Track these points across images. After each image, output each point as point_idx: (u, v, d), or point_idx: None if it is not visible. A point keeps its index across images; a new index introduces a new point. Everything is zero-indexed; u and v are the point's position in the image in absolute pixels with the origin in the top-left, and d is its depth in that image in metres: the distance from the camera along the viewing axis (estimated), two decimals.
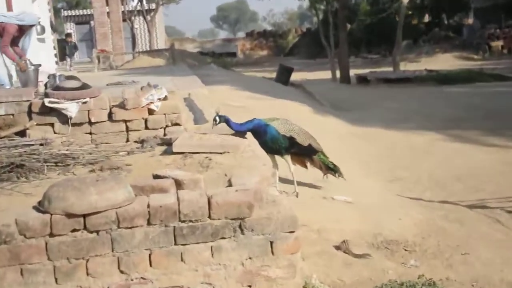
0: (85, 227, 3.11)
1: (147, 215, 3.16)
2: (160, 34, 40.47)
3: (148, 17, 35.01)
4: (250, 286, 3.32)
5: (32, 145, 4.74)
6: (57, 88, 5.38)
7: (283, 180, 5.92)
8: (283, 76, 20.28)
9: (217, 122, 4.94)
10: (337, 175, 6.04)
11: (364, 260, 4.33)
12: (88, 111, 5.36)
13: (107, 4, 26.25)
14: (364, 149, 9.59)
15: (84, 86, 5.41)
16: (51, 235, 3.07)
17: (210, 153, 4.66)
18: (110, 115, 5.44)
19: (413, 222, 5.37)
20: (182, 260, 3.23)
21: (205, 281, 3.26)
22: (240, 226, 3.27)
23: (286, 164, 5.52)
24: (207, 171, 4.20)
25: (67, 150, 4.78)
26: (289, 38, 49.12)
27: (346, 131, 11.36)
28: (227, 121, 4.97)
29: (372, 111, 14.03)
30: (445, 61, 30.18)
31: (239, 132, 5.03)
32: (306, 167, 5.92)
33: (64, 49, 23.48)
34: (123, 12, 31.90)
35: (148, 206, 3.17)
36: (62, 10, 42.17)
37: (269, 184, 3.89)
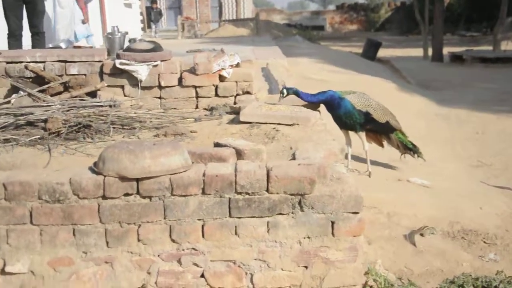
0: (138, 192, 3.00)
1: (202, 184, 3.00)
2: (248, 4, 40.32)
3: None
4: (306, 267, 3.10)
5: (101, 106, 4.70)
6: (128, 49, 5.32)
7: (356, 158, 5.62)
8: (370, 51, 19.61)
9: (284, 95, 4.69)
10: (416, 155, 5.65)
11: (436, 250, 3.99)
12: (159, 74, 5.27)
13: None
14: (450, 131, 8.99)
15: (155, 49, 5.32)
16: (104, 197, 2.98)
17: (279, 124, 4.44)
18: (180, 80, 5.33)
19: (496, 212, 4.91)
20: (236, 233, 3.06)
21: (258, 257, 3.08)
22: (299, 203, 3.04)
23: (360, 141, 5.20)
24: (272, 143, 3.99)
25: (134, 113, 4.71)
26: (381, 12, 47.00)
27: (432, 112, 10.74)
28: (296, 92, 4.71)
29: (464, 92, 13.22)
30: None
31: (311, 103, 4.76)
32: (382, 145, 5.57)
33: (150, 16, 23.85)
34: None
35: (204, 174, 3.00)
36: None
37: (336, 160, 3.63)
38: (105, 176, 2.97)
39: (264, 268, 3.10)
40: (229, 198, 3.02)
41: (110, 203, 2.99)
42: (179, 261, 3.07)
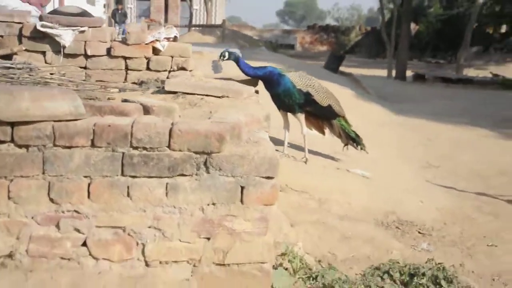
0: (12, 140, 2.54)
1: (91, 134, 2.57)
2: (219, 17, 40.05)
3: None
4: (208, 238, 2.69)
5: (12, 68, 4.22)
6: (54, 12, 4.86)
7: (295, 147, 5.27)
8: (333, 63, 19.42)
9: (225, 58, 4.33)
10: (359, 147, 5.32)
11: (366, 237, 3.65)
12: (85, 42, 4.81)
13: None
14: (402, 136, 8.78)
15: (84, 14, 4.87)
16: None
17: (207, 95, 4.05)
18: (109, 50, 4.89)
19: (437, 206, 4.62)
20: (128, 195, 2.63)
21: (153, 225, 2.65)
22: (205, 163, 2.64)
23: (299, 126, 4.85)
24: (192, 108, 3.60)
25: (50, 78, 4.25)
26: (352, 35, 47.37)
27: (387, 119, 10.55)
28: (236, 59, 4.35)
29: (422, 105, 13.14)
30: None
31: (249, 75, 4.40)
32: (323, 132, 5.23)
33: (115, 17, 23.32)
34: None
35: (95, 125, 2.57)
36: None
37: (260, 127, 3.24)
38: None
39: (158, 238, 2.67)
40: (123, 153, 2.59)
41: None
42: (57, 226, 2.61)
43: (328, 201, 4.06)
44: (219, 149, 2.62)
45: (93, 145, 2.58)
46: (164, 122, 2.64)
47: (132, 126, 2.58)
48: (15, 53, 4.65)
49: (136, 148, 2.60)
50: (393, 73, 24.54)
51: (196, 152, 2.62)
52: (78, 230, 2.61)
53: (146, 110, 3.01)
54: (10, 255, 2.58)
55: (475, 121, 10.72)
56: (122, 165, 2.60)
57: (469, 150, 7.76)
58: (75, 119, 2.60)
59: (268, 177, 2.68)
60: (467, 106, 13.26)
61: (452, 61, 32.54)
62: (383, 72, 25.74)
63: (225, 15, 42.78)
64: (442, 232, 4.04)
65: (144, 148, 2.60)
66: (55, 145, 2.56)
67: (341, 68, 20.67)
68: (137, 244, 2.65)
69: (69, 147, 2.57)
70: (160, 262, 2.68)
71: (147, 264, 2.67)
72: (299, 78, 4.55)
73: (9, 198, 2.56)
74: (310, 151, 5.03)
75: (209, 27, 27.59)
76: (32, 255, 2.59)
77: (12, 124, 2.52)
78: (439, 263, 3.23)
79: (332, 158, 5.42)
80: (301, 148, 5.14)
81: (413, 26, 35.47)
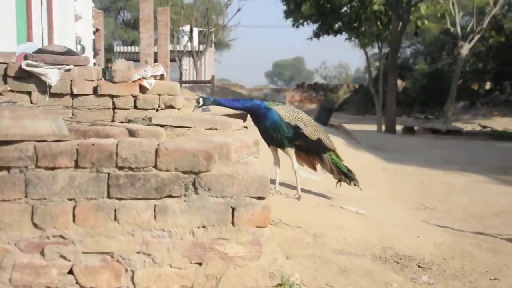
0: None
1: (75, 155, 2.46)
2: (208, 78, 40.51)
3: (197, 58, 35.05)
4: (200, 263, 2.54)
5: None
6: (39, 51, 4.82)
7: (287, 186, 5.16)
8: (323, 116, 19.50)
9: (199, 104, 4.27)
10: (352, 183, 5.20)
11: (364, 270, 3.49)
12: (71, 81, 4.76)
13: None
14: (395, 181, 8.71)
15: (69, 52, 4.84)
16: None
17: (195, 128, 3.96)
18: (96, 89, 4.83)
19: (434, 242, 4.48)
20: (115, 219, 2.50)
21: (142, 250, 2.51)
22: (194, 183, 2.53)
23: (289, 162, 4.75)
24: (180, 137, 3.50)
25: None
26: (340, 93, 47.99)
27: (380, 166, 10.51)
28: (215, 101, 4.30)
29: (413, 154, 13.18)
30: (503, 125, 27.58)
31: (234, 108, 4.33)
32: (315, 168, 5.12)
33: (105, 75, 23.44)
34: (172, 51, 31.99)
35: (78, 144, 2.47)
36: (115, 45, 42.94)
37: (249, 153, 3.15)
38: None
39: (148, 264, 2.52)
40: (108, 174, 2.48)
41: None
42: (42, 253, 2.47)
43: (323, 236, 3.91)
44: (207, 168, 2.52)
45: (77, 166, 2.48)
46: (150, 141, 2.54)
47: (117, 145, 2.48)
48: (0, 94, 4.58)
49: (121, 168, 2.49)
50: (383, 127, 24.78)
51: (184, 172, 2.52)
52: (64, 257, 2.48)
53: (132, 134, 2.92)
54: None
55: (466, 168, 10.72)
56: (108, 186, 2.49)
57: (463, 194, 7.69)
58: (58, 140, 2.50)
59: (259, 198, 2.58)
60: (458, 155, 13.32)
61: (440, 116, 33.07)
62: (372, 127, 26.02)
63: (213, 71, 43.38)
64: (442, 266, 3.88)
65: (130, 168, 2.50)
66: (37, 167, 2.46)
67: (331, 123, 20.79)
68: (126, 271, 2.51)
69: (52, 168, 2.46)
70: None
71: None
72: (286, 111, 4.48)
73: None
74: (302, 190, 4.92)
75: (199, 83, 27.85)
76: (16, 284, 2.45)
77: None
78: None
79: (325, 197, 5.30)
80: (292, 187, 5.03)
81: (400, 83, 36.15)
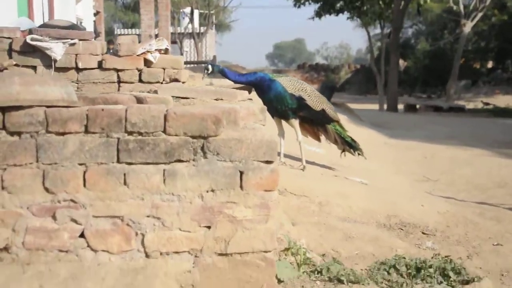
0: (4, 127, 2.46)
1: (85, 120, 2.49)
2: (210, 58, 40.36)
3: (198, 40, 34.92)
4: (208, 227, 2.58)
5: None
6: (43, 25, 4.83)
7: (291, 157, 5.20)
8: (325, 94, 19.43)
9: (209, 71, 4.29)
10: (356, 152, 5.23)
11: (369, 237, 3.54)
12: (76, 55, 4.77)
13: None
14: (398, 155, 8.75)
15: (74, 27, 4.85)
16: None
17: (201, 99, 3.99)
18: (101, 63, 4.84)
19: (438, 210, 4.53)
20: (125, 183, 2.54)
21: (151, 213, 2.55)
22: (202, 148, 2.56)
23: (294, 135, 4.79)
24: (186, 106, 3.52)
25: None
26: (342, 73, 47.85)
27: (382, 141, 10.54)
28: (222, 71, 4.31)
29: (415, 131, 13.21)
30: (505, 102, 27.66)
31: (239, 82, 4.35)
32: (319, 139, 5.15)
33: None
34: (173, 33, 31.85)
35: (88, 110, 2.50)
36: (115, 28, 42.79)
37: (256, 120, 3.18)
38: None
39: (158, 227, 2.56)
40: (118, 139, 2.51)
41: None
42: (53, 216, 2.51)
43: (329, 204, 3.96)
44: (215, 132, 2.55)
45: (87, 131, 2.50)
46: (159, 107, 2.57)
47: (126, 110, 2.51)
48: (5, 68, 4.59)
49: (131, 133, 2.52)
50: (385, 106, 24.76)
51: (192, 136, 2.55)
52: (75, 221, 2.51)
53: (140, 101, 2.95)
54: (6, 248, 2.48)
55: (469, 142, 10.75)
56: (118, 151, 2.52)
57: (466, 166, 7.72)
58: (67, 106, 2.53)
59: (267, 162, 2.60)
60: (460, 130, 13.34)
61: (442, 95, 33.03)
62: (374, 106, 26.00)
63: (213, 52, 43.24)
64: (446, 233, 3.94)
65: (139, 133, 2.53)
66: (48, 132, 2.49)
67: (333, 101, 20.77)
68: (136, 234, 2.55)
69: (63, 134, 2.49)
70: (161, 253, 2.57)
71: (147, 255, 2.56)
72: (290, 83, 4.50)
73: (2, 188, 2.47)
74: (307, 162, 4.96)
75: (200, 63, 27.76)
76: (29, 247, 2.48)
77: (3, 110, 2.44)
78: (446, 256, 3.13)
79: (329, 168, 5.35)
80: (297, 159, 5.07)
81: (401, 63, 36.01)
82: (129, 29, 42.19)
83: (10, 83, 2.42)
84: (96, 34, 21.87)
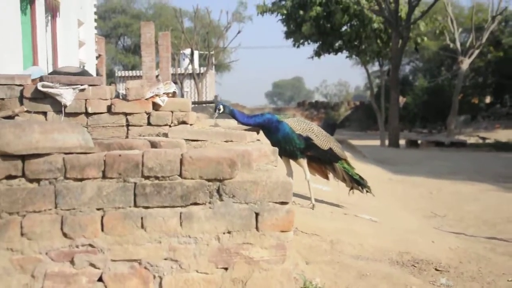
0: (23, 174, 2.51)
1: (102, 165, 2.54)
2: (210, 98, 40.65)
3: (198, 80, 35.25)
4: (226, 268, 2.60)
5: None
6: (54, 72, 4.92)
7: (300, 196, 5.22)
8: (326, 131, 19.55)
9: (220, 111, 4.36)
10: (365, 190, 5.26)
11: (383, 274, 3.54)
12: (86, 100, 4.85)
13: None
14: (404, 191, 8.76)
15: (84, 73, 4.94)
16: None
17: (211, 142, 4.04)
18: (110, 107, 4.92)
19: (450, 246, 4.52)
20: (142, 227, 2.57)
21: (169, 256, 2.57)
22: (218, 190, 2.60)
23: (303, 173, 4.82)
24: (197, 149, 3.57)
25: None
26: (341, 110, 48.23)
27: (387, 177, 10.56)
28: (232, 112, 4.38)
29: (418, 166, 13.24)
30: (506, 137, 27.70)
31: (247, 125, 4.42)
32: (327, 177, 5.18)
33: None
34: (174, 74, 32.20)
35: (105, 155, 2.55)
36: (116, 70, 43.27)
37: (268, 162, 3.23)
38: None
39: (175, 270, 2.58)
40: (135, 183, 2.56)
41: None
42: (71, 261, 2.53)
43: (340, 242, 3.97)
44: (231, 175, 2.59)
45: (104, 176, 2.55)
46: (174, 151, 2.62)
47: (142, 156, 2.56)
48: (16, 115, 4.67)
49: (147, 177, 2.56)
50: (386, 142, 24.86)
51: (208, 180, 2.59)
52: (93, 265, 2.53)
53: (154, 146, 2.99)
54: None
55: (473, 177, 10.77)
56: (135, 195, 2.56)
57: (473, 201, 7.73)
58: (85, 153, 2.58)
59: (282, 203, 2.64)
60: (463, 165, 13.38)
61: (442, 130, 33.19)
62: (375, 142, 26.10)
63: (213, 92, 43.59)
64: (459, 269, 3.93)
65: (156, 178, 2.57)
66: (66, 178, 2.53)
67: (335, 138, 20.86)
68: (154, 277, 2.57)
69: (81, 180, 2.53)
70: None
71: None
72: (297, 123, 4.57)
73: (22, 234, 2.50)
74: (315, 200, 4.98)
75: (201, 104, 27.98)
76: None
77: (23, 158, 2.49)
78: None
79: (338, 206, 5.36)
80: (305, 197, 5.09)
81: (400, 99, 36.34)
82: (129, 71, 42.71)
83: (30, 131, 2.47)
84: (98, 75, 22.19)
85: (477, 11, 31.10)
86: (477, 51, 27.06)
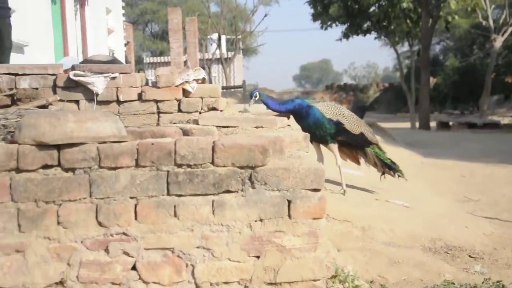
0: (59, 164, 2.54)
1: (135, 154, 2.56)
2: (238, 84, 40.68)
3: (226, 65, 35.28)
4: (258, 256, 2.61)
5: None
6: (85, 61, 4.97)
7: (331, 182, 5.20)
8: (356, 114, 19.43)
9: (256, 97, 4.36)
10: (396, 174, 5.21)
11: (415, 261, 3.51)
12: (117, 88, 4.89)
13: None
14: (436, 174, 8.66)
15: (114, 61, 4.98)
16: (18, 170, 2.52)
17: (241, 128, 4.04)
18: (140, 95, 4.95)
19: (484, 232, 4.46)
20: (175, 215, 2.59)
21: (201, 245, 2.59)
22: (250, 178, 2.60)
23: (334, 160, 4.80)
24: (227, 136, 3.57)
25: None
26: (370, 92, 47.66)
27: (418, 161, 10.45)
28: (265, 100, 4.38)
29: (450, 149, 13.04)
30: None
31: (279, 112, 4.42)
32: (358, 162, 5.15)
33: None
34: (201, 59, 32.27)
35: (138, 144, 2.57)
36: (144, 57, 43.53)
37: (299, 148, 3.20)
38: (19, 144, 2.52)
39: (208, 258, 2.60)
40: (168, 172, 2.57)
41: (24, 176, 2.52)
42: (106, 250, 2.57)
43: (372, 229, 3.95)
44: (263, 162, 2.58)
45: (137, 165, 2.57)
46: (206, 138, 2.62)
47: (175, 144, 2.57)
48: (50, 104, 4.73)
49: (180, 165, 2.57)
50: (417, 124, 24.55)
51: (240, 167, 2.59)
52: (127, 254, 2.56)
53: (186, 133, 3.01)
54: (62, 282, 2.53)
55: (506, 160, 10.57)
56: (167, 183, 2.57)
57: (507, 184, 7.60)
58: (118, 141, 2.60)
59: (314, 190, 2.63)
60: (496, 147, 13.13)
61: (474, 111, 32.60)
62: (405, 125, 25.78)
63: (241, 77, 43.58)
64: (494, 256, 3.88)
65: (188, 165, 2.58)
66: (100, 167, 2.55)
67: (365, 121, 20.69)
68: (187, 265, 2.58)
69: (114, 168, 2.55)
70: (211, 284, 2.60)
71: (197, 287, 2.59)
72: (328, 108, 4.54)
73: (58, 223, 2.53)
74: (346, 185, 4.96)
75: (229, 89, 28.01)
76: (83, 281, 2.53)
77: (58, 147, 2.52)
78: (497, 281, 3.08)
79: (369, 191, 5.33)
80: (336, 183, 5.07)
81: (431, 80, 35.79)
82: (158, 57, 42.92)
83: (65, 121, 2.51)
84: (127, 63, 22.40)
85: None
86: (511, 29, 26.39)
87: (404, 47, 34.82)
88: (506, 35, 26.40)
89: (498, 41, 26.20)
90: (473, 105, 33.84)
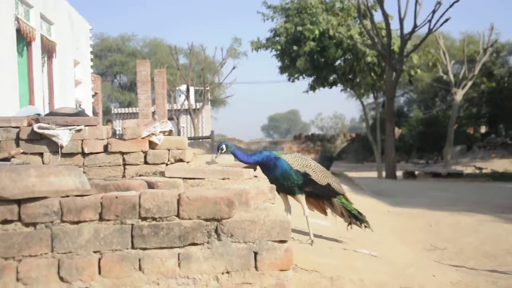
0: (19, 219, 2.49)
1: (99, 208, 2.53)
2: (206, 134, 40.74)
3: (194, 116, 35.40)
4: None
5: None
6: (50, 113, 4.94)
7: (298, 232, 5.19)
8: (323, 164, 19.52)
9: (223, 151, 4.37)
10: (363, 225, 5.23)
11: None
12: (82, 140, 4.85)
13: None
14: (402, 223, 8.71)
15: (79, 114, 4.96)
16: None
17: (208, 180, 4.04)
18: (106, 147, 4.92)
19: (451, 281, 4.47)
20: (140, 269, 2.54)
21: None
22: (216, 230, 2.58)
23: (300, 209, 4.80)
24: (194, 188, 3.56)
25: None
26: (337, 142, 48.37)
27: (385, 210, 10.51)
28: (233, 151, 4.39)
29: (416, 198, 13.19)
30: (502, 166, 27.69)
31: (247, 163, 4.43)
32: (325, 213, 5.16)
33: None
34: (170, 110, 32.33)
35: (102, 197, 2.54)
36: (112, 108, 43.42)
37: (265, 199, 3.22)
38: None
39: None
40: (132, 225, 2.54)
41: None
42: None
43: (340, 279, 3.91)
44: (229, 214, 2.58)
45: (101, 218, 2.54)
46: (171, 191, 2.61)
47: (139, 197, 2.55)
48: (13, 156, 4.66)
49: (145, 219, 2.55)
50: (383, 174, 24.83)
51: (206, 219, 2.58)
52: None
53: (151, 186, 2.98)
54: None
55: (471, 208, 10.72)
56: (132, 237, 2.54)
57: (472, 233, 7.68)
58: (81, 195, 2.57)
59: (281, 241, 2.63)
60: (461, 196, 13.34)
61: (438, 160, 33.24)
62: (372, 174, 26.06)
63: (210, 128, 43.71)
64: None
65: (153, 219, 2.56)
66: (62, 221, 2.52)
67: (332, 171, 20.85)
68: None
69: (77, 222, 2.52)
70: None
71: None
72: (295, 159, 4.57)
73: (17, 279, 2.47)
74: (314, 235, 4.93)
75: (198, 139, 28.03)
76: None
77: (19, 202, 2.47)
78: None
79: (336, 241, 5.32)
80: (304, 233, 5.05)
81: (396, 130, 36.55)
82: (126, 108, 42.85)
83: (27, 175, 2.47)
84: (94, 114, 22.28)
85: (468, 43, 31.61)
86: (470, 83, 27.38)
87: (370, 99, 35.68)
88: (466, 88, 27.36)
89: (459, 95, 27.09)
90: (438, 155, 34.55)
